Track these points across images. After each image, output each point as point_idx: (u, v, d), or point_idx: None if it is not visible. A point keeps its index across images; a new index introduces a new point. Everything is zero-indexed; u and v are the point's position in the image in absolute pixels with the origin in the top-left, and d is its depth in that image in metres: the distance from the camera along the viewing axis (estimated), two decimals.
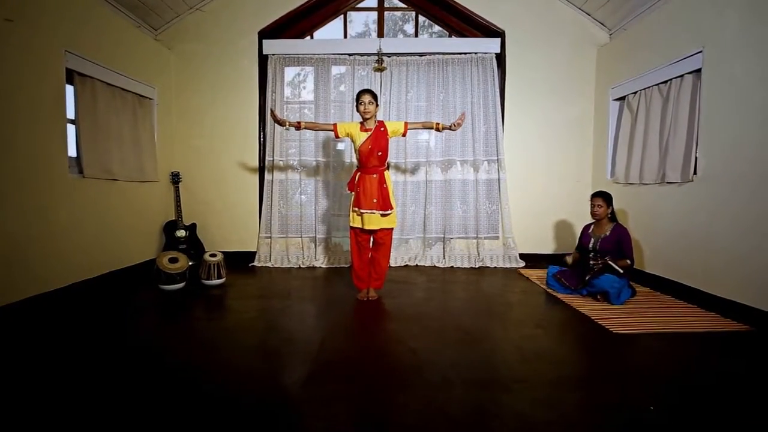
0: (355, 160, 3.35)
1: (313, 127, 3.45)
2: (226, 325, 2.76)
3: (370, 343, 2.46)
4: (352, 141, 3.24)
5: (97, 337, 2.48)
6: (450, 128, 3.29)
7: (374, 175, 3.16)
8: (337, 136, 3.29)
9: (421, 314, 2.97)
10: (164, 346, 2.36)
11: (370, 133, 3.15)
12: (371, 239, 3.29)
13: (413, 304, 3.26)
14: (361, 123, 3.20)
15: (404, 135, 3.32)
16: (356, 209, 3.18)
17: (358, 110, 3.17)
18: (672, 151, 3.44)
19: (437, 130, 3.34)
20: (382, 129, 3.18)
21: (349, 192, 3.32)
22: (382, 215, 3.16)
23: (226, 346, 2.38)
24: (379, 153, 3.15)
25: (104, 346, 2.34)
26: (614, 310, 3.01)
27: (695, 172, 3.25)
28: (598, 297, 3.27)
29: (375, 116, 3.19)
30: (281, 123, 3.26)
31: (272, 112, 3.34)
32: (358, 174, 3.21)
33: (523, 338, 2.50)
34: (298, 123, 3.28)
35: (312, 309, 3.17)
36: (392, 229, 3.29)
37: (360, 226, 3.17)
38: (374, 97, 3.15)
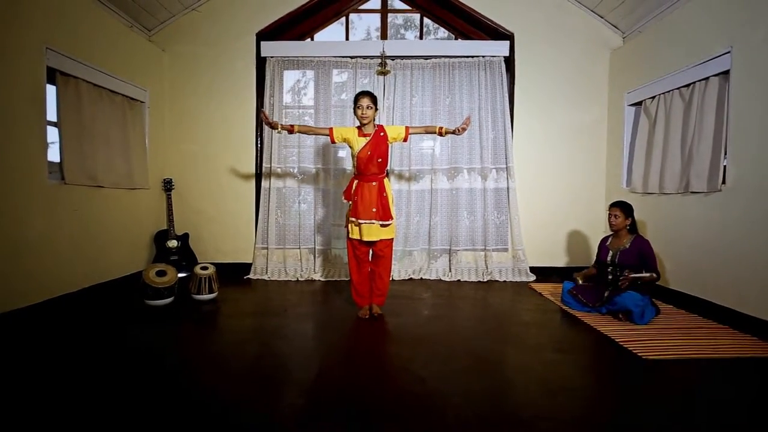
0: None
1: (306, 131, 3.21)
2: (213, 348, 2.50)
3: (373, 369, 2.20)
4: (350, 147, 3.01)
5: (63, 359, 2.22)
6: (454, 132, 3.05)
7: (373, 183, 2.94)
8: (333, 142, 3.07)
9: (428, 335, 2.71)
10: (140, 370, 2.10)
11: (369, 138, 2.93)
12: (370, 252, 3.06)
13: (419, 323, 3.00)
14: (359, 128, 2.98)
15: (405, 140, 3.10)
16: (353, 219, 2.94)
17: (355, 114, 2.95)
18: (697, 158, 3.20)
19: (440, 134, 3.08)
20: (381, 134, 2.96)
21: (345, 201, 3.06)
22: (382, 225, 2.92)
23: (212, 372, 2.12)
24: (379, 160, 2.93)
25: (69, 370, 2.08)
26: (639, 332, 2.76)
27: (724, 182, 3.02)
28: (620, 316, 3.01)
29: (374, 121, 2.98)
30: (273, 126, 3.02)
31: (263, 113, 3.10)
32: (356, 182, 2.98)
33: (544, 365, 2.25)
34: (291, 126, 3.03)
35: (309, 329, 2.92)
36: (392, 239, 3.05)
37: (359, 237, 2.93)
38: (373, 100, 2.93)
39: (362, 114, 2.89)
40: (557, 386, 2.00)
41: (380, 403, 1.83)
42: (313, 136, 4.34)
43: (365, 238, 2.91)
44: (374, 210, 2.88)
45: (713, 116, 3.09)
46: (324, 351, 2.45)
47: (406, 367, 2.23)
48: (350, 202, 2.99)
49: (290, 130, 3.04)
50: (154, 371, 2.12)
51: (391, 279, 3.39)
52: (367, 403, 1.82)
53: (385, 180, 3.00)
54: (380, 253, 3.01)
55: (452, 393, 1.91)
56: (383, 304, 3.13)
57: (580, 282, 3.38)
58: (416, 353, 2.40)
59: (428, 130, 3.17)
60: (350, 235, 2.98)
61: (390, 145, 3.02)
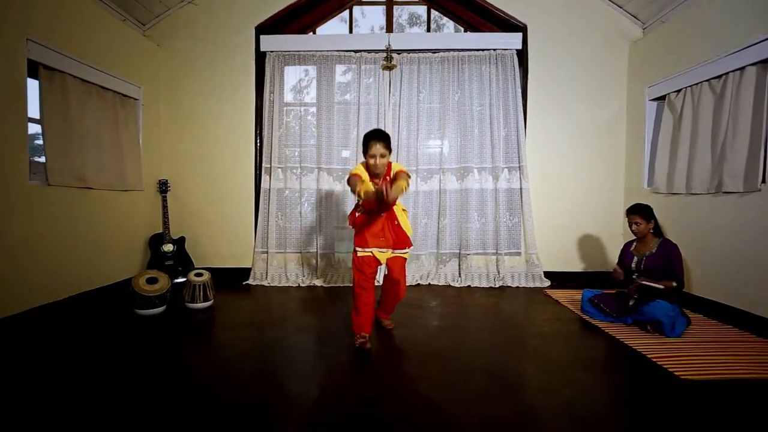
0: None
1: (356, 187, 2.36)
2: (204, 364, 2.27)
3: (381, 392, 1.96)
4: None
5: (36, 375, 2.01)
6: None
7: (381, 215, 2.51)
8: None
9: (439, 351, 2.47)
10: (116, 389, 1.88)
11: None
12: (377, 270, 2.62)
13: (429, 335, 2.77)
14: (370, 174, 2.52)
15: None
16: (360, 249, 2.50)
17: (366, 161, 2.46)
18: (731, 155, 2.94)
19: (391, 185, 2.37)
20: (388, 178, 2.51)
21: (350, 227, 2.61)
22: (395, 252, 2.57)
23: (200, 395, 1.90)
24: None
25: (41, 387, 1.87)
26: (671, 345, 2.50)
27: (764, 180, 2.76)
28: (649, 327, 2.76)
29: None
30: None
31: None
32: (358, 214, 2.55)
33: (571, 387, 2.00)
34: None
35: (310, 342, 2.67)
36: (406, 259, 2.66)
37: (370, 254, 2.50)
38: (387, 144, 2.44)
39: (375, 164, 2.43)
40: (586, 411, 1.76)
41: None
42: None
43: (380, 258, 2.51)
44: (382, 239, 2.48)
45: (750, 108, 2.83)
46: (325, 369, 2.22)
47: (416, 388, 1.99)
48: (353, 228, 2.55)
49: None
50: (131, 391, 1.89)
51: None
52: None
53: (395, 208, 2.52)
54: (395, 276, 2.60)
55: (471, 422, 1.68)
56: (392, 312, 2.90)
57: (619, 270, 3.08)
58: (427, 372, 2.17)
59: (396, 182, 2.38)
60: (359, 253, 2.50)
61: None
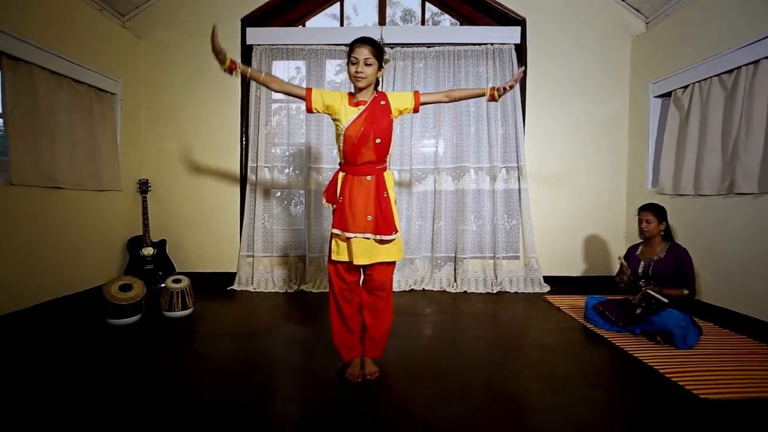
0: (336, 154, 2.17)
1: (270, 81, 2.05)
2: (174, 383, 2.05)
3: (370, 415, 1.76)
4: (335, 121, 2.04)
5: None
6: (504, 90, 2.08)
7: (368, 178, 2.01)
8: (309, 110, 2.04)
9: (435, 365, 2.27)
10: (79, 413, 1.67)
11: (363, 108, 1.99)
12: (361, 277, 2.14)
13: (423, 347, 2.57)
14: (351, 94, 2.06)
15: (416, 111, 2.12)
16: (339, 232, 2.00)
17: (348, 72, 1.99)
18: (744, 155, 2.77)
19: (493, 99, 2.10)
20: (382, 103, 2.02)
21: (327, 205, 2.11)
22: (380, 241, 2.01)
23: (170, 414, 1.68)
24: (378, 141, 1.98)
25: None
26: (686, 359, 2.32)
27: None
28: (658, 338, 2.58)
29: (375, 86, 2.04)
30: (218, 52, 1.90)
31: (213, 31, 1.87)
32: (342, 175, 2.06)
33: (579, 406, 1.81)
34: (233, 64, 1.94)
35: (296, 356, 2.45)
36: (394, 264, 2.11)
37: (347, 259, 2.00)
38: (376, 52, 1.94)
39: (357, 72, 1.92)
40: None
41: None
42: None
43: (357, 261, 1.97)
44: (369, 218, 1.98)
45: (765, 104, 2.65)
46: (309, 387, 2.01)
47: (409, 408, 1.79)
48: (333, 207, 2.07)
49: (230, 68, 1.94)
50: (93, 411, 1.68)
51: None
52: None
53: (386, 174, 2.06)
54: (377, 286, 2.05)
55: None
56: (380, 356, 2.18)
57: (625, 264, 2.86)
58: (420, 390, 1.97)
59: (455, 95, 2.12)
60: (333, 256, 2.04)
61: (393, 121, 2.06)
